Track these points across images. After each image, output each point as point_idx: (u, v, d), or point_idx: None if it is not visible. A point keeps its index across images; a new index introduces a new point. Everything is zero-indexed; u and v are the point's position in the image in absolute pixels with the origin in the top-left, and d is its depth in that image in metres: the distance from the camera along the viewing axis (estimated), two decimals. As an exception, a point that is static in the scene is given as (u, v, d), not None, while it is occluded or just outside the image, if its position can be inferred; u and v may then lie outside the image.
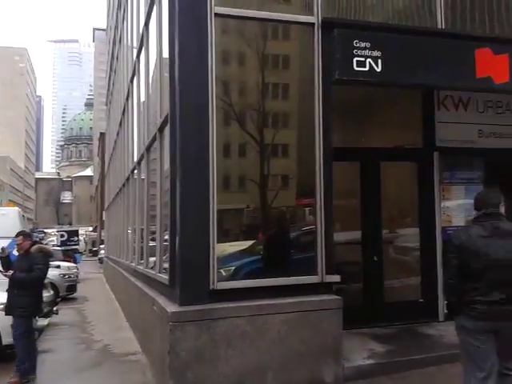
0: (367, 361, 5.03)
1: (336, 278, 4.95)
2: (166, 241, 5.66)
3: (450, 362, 5.05)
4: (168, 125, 5.23)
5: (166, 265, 5.45)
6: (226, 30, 5.18)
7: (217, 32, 4.87)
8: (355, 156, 6.62)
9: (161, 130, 6.02)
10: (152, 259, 6.67)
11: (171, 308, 4.51)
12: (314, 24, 5.22)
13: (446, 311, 6.54)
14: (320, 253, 4.92)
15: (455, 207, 7.10)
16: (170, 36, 5.25)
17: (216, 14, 4.88)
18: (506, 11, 6.00)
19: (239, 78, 5.39)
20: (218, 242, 4.66)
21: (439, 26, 5.71)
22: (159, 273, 5.80)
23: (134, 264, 8.57)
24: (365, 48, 5.16)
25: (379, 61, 5.18)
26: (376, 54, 5.18)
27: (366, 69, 5.14)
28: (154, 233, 6.65)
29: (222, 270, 4.76)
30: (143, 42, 7.59)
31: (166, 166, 5.71)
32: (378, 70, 5.19)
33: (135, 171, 8.97)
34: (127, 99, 10.49)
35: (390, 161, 6.87)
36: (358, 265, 6.59)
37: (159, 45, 6.24)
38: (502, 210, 3.47)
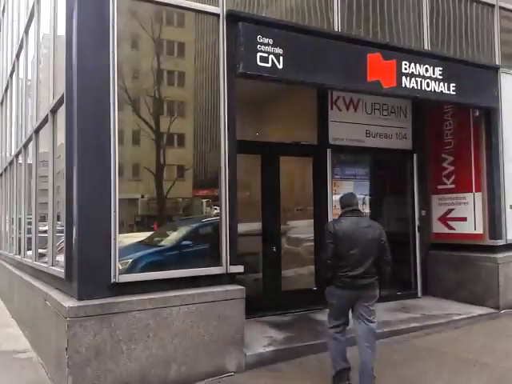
0: (267, 348, 5.19)
1: (239, 269, 5.03)
2: (59, 231, 5.31)
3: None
4: (63, 106, 4.88)
5: (60, 257, 5.11)
6: (129, 11, 4.91)
7: (120, 13, 4.63)
8: (256, 149, 6.78)
9: (54, 111, 5.62)
10: (42, 251, 6.21)
11: (68, 303, 4.24)
12: (219, 15, 5.20)
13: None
14: (224, 244, 4.95)
15: (345, 201, 7.62)
16: (67, 13, 4.86)
17: (120, -5, 4.65)
18: (395, 21, 6.52)
19: (143, 62, 5.15)
20: (119, 233, 4.48)
21: (335, 29, 6.02)
22: (52, 265, 5.41)
23: (19, 256, 7.89)
24: (268, 44, 5.27)
25: (281, 58, 5.33)
26: (278, 51, 5.32)
27: (269, 65, 5.26)
28: (44, 221, 6.20)
29: (123, 262, 4.58)
30: (33, 15, 6.98)
31: (60, 149, 5.35)
32: (280, 67, 5.34)
33: (20, 155, 8.25)
34: (11, 76, 9.59)
35: (289, 155, 7.15)
36: (258, 255, 6.79)
37: (54, 21, 5.78)
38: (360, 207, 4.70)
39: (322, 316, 6.34)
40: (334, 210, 7.30)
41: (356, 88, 6.27)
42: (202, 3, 5.18)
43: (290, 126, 7.23)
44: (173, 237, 5.32)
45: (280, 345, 5.34)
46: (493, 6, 7.49)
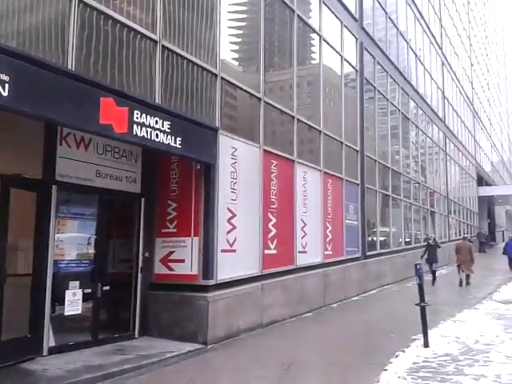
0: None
1: None
2: None
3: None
4: None
5: None
6: None
7: None
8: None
9: None
10: None
11: None
12: None
13: (50, 345, 6.63)
14: None
15: (69, 241, 7.36)
16: None
17: None
18: (131, 71, 6.90)
19: None
20: None
21: (70, 68, 5.99)
22: None
23: None
24: (-7, 69, 4.89)
25: (6, 85, 5.01)
26: (4, 77, 4.99)
27: (-8, 91, 4.87)
28: None
29: None
30: None
31: None
32: (5, 94, 5.00)
33: None
34: None
35: (16, 188, 6.52)
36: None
37: None
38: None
39: (34, 365, 5.99)
40: (55, 250, 6.98)
41: (87, 128, 6.32)
42: None
43: (12, 156, 6.66)
44: None
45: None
46: (216, 75, 8.63)
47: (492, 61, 53.69)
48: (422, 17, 24.59)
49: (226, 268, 8.48)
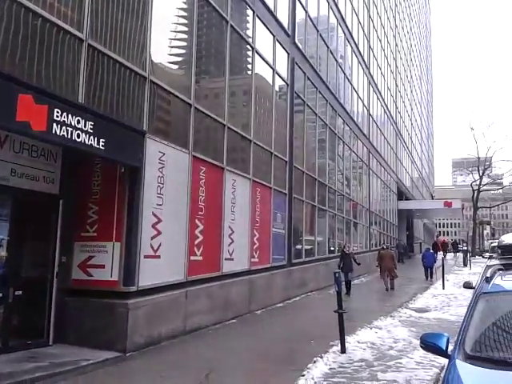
0: None
1: None
2: None
3: None
4: None
5: None
6: None
7: None
8: None
9: None
10: None
11: None
12: None
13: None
14: None
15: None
16: None
17: None
18: (53, 68, 6.60)
19: None
20: None
21: (-12, 61, 5.69)
22: None
23: None
24: None
25: None
26: None
27: None
28: None
29: None
30: None
31: None
32: None
33: None
34: None
35: None
36: None
37: None
38: None
39: None
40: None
41: (1, 125, 5.98)
42: None
43: None
44: None
45: None
46: (145, 77, 8.46)
47: (415, 83, 57.16)
48: (352, 37, 25.75)
49: (149, 274, 8.30)
